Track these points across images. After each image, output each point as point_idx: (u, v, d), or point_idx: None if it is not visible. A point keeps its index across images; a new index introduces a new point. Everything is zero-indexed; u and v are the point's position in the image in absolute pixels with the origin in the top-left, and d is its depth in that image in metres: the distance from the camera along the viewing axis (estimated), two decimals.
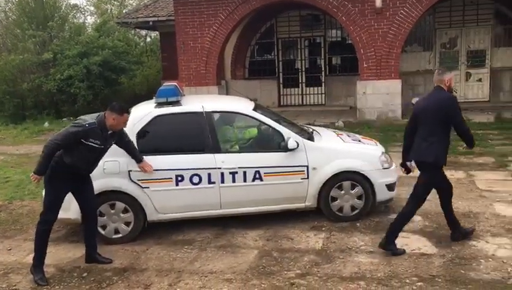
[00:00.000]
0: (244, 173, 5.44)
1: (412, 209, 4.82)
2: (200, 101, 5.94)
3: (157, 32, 19.97)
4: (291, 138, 5.47)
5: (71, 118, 15.02)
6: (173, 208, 5.48)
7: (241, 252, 5.05)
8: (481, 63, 14.89)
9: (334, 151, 5.75)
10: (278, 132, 5.58)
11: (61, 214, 4.85)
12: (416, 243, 4.99)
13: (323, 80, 15.94)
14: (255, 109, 5.82)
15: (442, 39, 15.10)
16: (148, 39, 24.36)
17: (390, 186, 5.79)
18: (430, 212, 5.83)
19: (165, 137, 5.55)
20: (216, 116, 5.65)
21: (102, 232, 5.36)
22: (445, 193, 4.94)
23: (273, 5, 13.32)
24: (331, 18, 13.96)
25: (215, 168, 5.39)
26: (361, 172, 5.62)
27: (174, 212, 5.52)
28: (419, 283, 4.17)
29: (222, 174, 5.40)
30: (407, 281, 4.23)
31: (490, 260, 4.54)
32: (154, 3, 17.40)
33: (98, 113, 4.65)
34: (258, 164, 5.47)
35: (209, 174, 5.39)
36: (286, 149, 5.45)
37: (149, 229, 5.56)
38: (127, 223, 5.41)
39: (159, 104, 5.58)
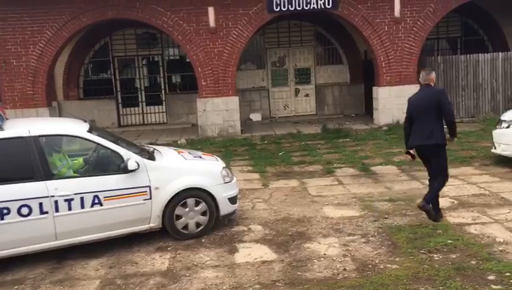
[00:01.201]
0: (82, 198, 5.13)
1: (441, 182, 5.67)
2: (26, 125, 5.44)
3: None
4: (131, 158, 5.32)
5: None
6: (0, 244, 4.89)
7: (80, 284, 4.71)
8: (307, 80, 16.44)
9: (176, 169, 5.76)
10: (117, 153, 5.39)
11: None
12: (258, 252, 5.23)
13: (163, 99, 15.90)
14: (90, 131, 5.52)
15: (273, 58, 16.31)
16: None
17: (232, 200, 5.99)
18: (270, 221, 6.19)
19: None
20: (45, 140, 5.24)
21: None
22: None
23: (106, 22, 12.89)
24: (168, 37, 14.04)
25: (47, 197, 4.98)
26: (204, 188, 5.71)
27: (0, 250, 4.92)
28: None
29: (56, 202, 5.02)
30: (251, 289, 4.40)
31: (322, 259, 4.96)
32: None
33: None
34: (97, 188, 5.20)
35: (40, 204, 4.96)
36: (126, 171, 5.29)
37: None
38: None
39: None
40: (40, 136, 5.16)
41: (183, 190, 5.59)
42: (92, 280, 4.78)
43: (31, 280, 4.86)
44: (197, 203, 5.69)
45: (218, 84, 12.78)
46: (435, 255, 4.83)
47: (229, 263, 5.01)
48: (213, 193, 5.73)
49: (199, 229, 5.73)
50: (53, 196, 5.01)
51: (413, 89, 12.96)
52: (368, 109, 15.12)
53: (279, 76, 16.43)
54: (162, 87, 15.95)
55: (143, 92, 15.90)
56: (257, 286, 4.44)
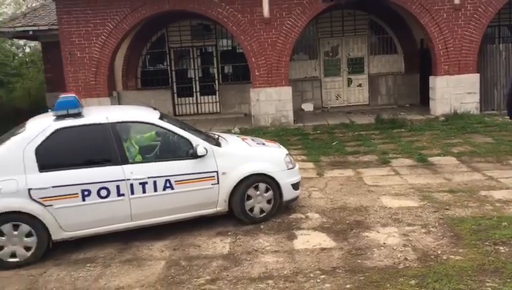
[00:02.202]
0: (155, 182, 5.39)
1: None
2: (103, 112, 5.79)
3: (36, 42, 18.73)
4: (200, 144, 5.55)
5: None
6: (81, 224, 5.24)
7: (147, 264, 4.95)
8: (360, 70, 16.19)
9: (241, 155, 5.94)
10: (187, 139, 5.62)
11: None
12: (317, 239, 5.29)
13: (217, 89, 16.15)
14: (161, 118, 5.81)
15: (325, 48, 16.16)
16: (28, 49, 22.69)
17: (295, 186, 6.14)
18: (327, 209, 6.23)
19: (68, 151, 5.31)
20: (122, 126, 5.55)
21: None
22: None
23: (164, 14, 13.22)
24: (222, 28, 14.22)
25: (124, 180, 5.28)
26: (269, 174, 5.87)
27: (81, 229, 5.27)
28: (322, 276, 4.43)
29: (131, 185, 5.31)
30: (312, 275, 4.47)
31: (382, 248, 4.96)
32: (34, 12, 16.30)
33: None
34: (169, 173, 5.45)
35: (117, 187, 5.26)
36: (196, 156, 5.51)
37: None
38: (28, 248, 5.04)
39: (59, 117, 5.33)
40: (117, 122, 5.46)
41: (248, 175, 5.76)
42: (158, 261, 5.02)
43: (102, 258, 5.15)
44: (262, 188, 5.86)
45: (272, 74, 12.84)
46: (500, 248, 4.72)
47: (289, 249, 5.11)
48: (277, 179, 5.88)
49: (264, 213, 5.91)
50: (129, 179, 5.29)
51: (473, 78, 12.66)
52: (423, 99, 14.73)
53: (331, 66, 16.27)
54: (216, 77, 16.19)
55: (197, 82, 16.20)
56: (318, 272, 4.51)
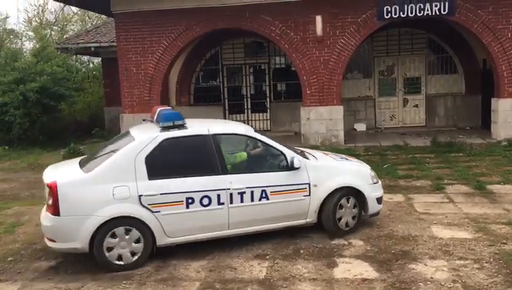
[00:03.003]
0: (252, 192, 5.55)
1: None
2: (204, 124, 6.00)
3: (100, 58, 19.59)
4: (295, 157, 5.68)
5: (6, 146, 14.29)
6: (183, 231, 5.41)
7: (182, 285, 4.88)
8: (417, 90, 15.64)
9: (331, 168, 6.13)
10: (281, 152, 5.79)
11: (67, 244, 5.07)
12: (358, 269, 5.02)
13: (268, 106, 16.13)
14: (256, 131, 6.02)
15: (380, 67, 15.77)
16: (91, 65, 23.82)
17: (379, 200, 6.19)
18: (372, 236, 5.94)
19: (174, 160, 5.54)
20: (222, 138, 5.75)
21: (107, 254, 5.14)
22: None
23: (217, 32, 13.42)
24: (275, 45, 14.22)
25: (224, 189, 5.44)
26: (357, 187, 5.98)
27: (183, 236, 5.44)
28: None
29: (231, 194, 5.46)
30: None
31: (429, 283, 4.62)
32: (96, 29, 17.13)
33: None
34: (264, 183, 5.61)
35: (218, 196, 5.42)
36: (291, 168, 5.67)
37: (84, 264, 5.28)
38: (133, 253, 5.25)
39: (165, 128, 5.53)
40: (217, 134, 5.66)
41: (338, 188, 5.86)
42: (192, 282, 4.93)
43: (138, 276, 5.13)
44: (349, 201, 5.97)
45: (323, 93, 12.64)
46: None
47: (328, 277, 4.87)
48: (364, 192, 5.97)
49: (348, 226, 5.99)
50: (229, 189, 5.44)
51: None
52: (485, 121, 13.95)
53: (386, 85, 15.84)
54: (267, 95, 16.19)
55: (249, 100, 16.26)
56: None
